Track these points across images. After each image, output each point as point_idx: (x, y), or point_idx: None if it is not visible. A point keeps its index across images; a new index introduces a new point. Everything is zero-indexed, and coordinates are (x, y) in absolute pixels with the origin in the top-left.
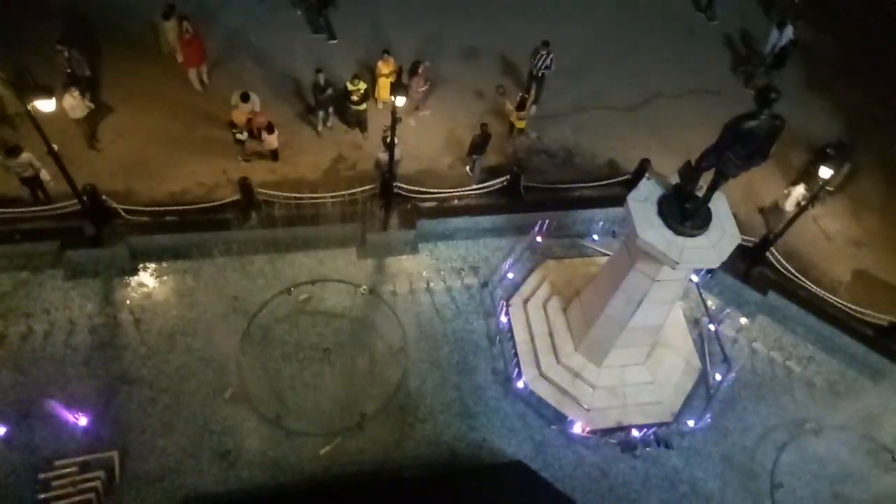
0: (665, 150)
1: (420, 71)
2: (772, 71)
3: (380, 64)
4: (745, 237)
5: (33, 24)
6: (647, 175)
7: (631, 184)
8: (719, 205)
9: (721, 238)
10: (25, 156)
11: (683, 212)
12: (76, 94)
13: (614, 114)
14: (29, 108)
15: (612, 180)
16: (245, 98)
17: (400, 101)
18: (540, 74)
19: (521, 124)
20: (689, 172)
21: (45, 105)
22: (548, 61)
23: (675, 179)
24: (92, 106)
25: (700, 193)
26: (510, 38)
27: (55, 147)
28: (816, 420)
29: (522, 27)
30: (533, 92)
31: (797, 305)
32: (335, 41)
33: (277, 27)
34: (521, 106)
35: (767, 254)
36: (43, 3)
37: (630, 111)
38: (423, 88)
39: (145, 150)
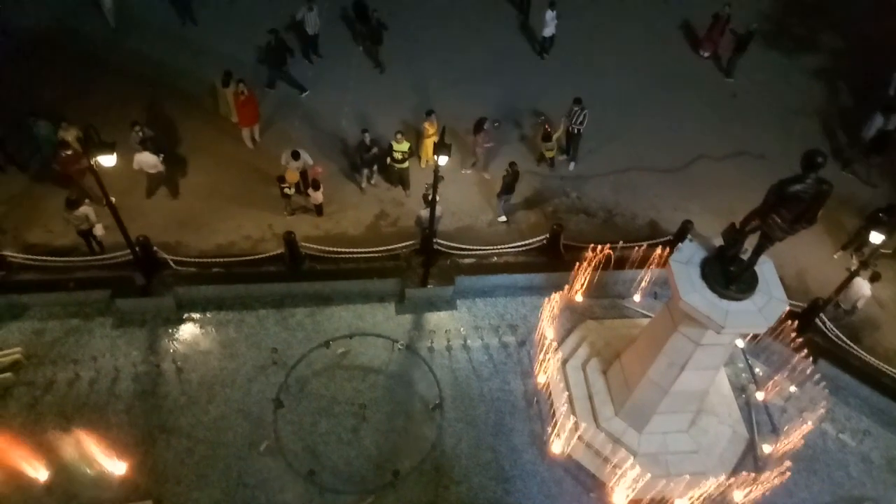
0: (707, 212)
1: (486, 127)
2: (871, 155)
3: (426, 125)
4: (792, 302)
5: (103, 83)
6: (689, 236)
7: (673, 245)
8: (765, 268)
9: (768, 302)
10: (84, 209)
11: (728, 275)
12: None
13: (655, 175)
14: (92, 162)
15: (654, 241)
16: (295, 156)
17: (442, 160)
18: (576, 131)
19: (549, 153)
20: (734, 235)
21: (107, 160)
22: (581, 117)
23: (718, 241)
24: (162, 168)
25: (745, 256)
26: (552, 100)
27: (113, 199)
28: (874, 499)
29: (566, 91)
30: (570, 149)
31: (850, 375)
32: (306, 93)
33: (326, 88)
34: (546, 137)
35: (817, 320)
36: (111, 66)
37: (671, 172)
38: (488, 145)
39: (197, 203)
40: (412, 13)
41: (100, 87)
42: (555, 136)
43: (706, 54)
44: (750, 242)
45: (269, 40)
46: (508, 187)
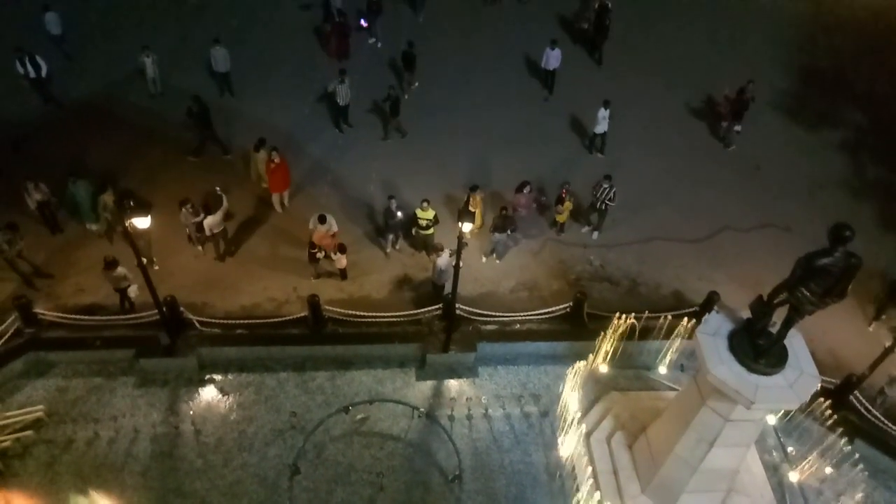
0: (733, 283)
1: (526, 191)
2: None
3: (469, 198)
4: (825, 378)
5: (145, 149)
6: (715, 308)
7: (699, 316)
8: (795, 342)
9: (799, 378)
10: (121, 269)
11: (757, 348)
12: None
13: (680, 245)
14: (127, 224)
15: (679, 311)
16: (322, 220)
17: (466, 227)
18: (603, 207)
19: (561, 218)
20: (762, 308)
21: (141, 222)
22: (611, 194)
23: (745, 314)
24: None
25: (773, 329)
26: (576, 171)
27: (144, 260)
28: None
29: (592, 161)
30: (594, 220)
31: (890, 457)
32: (228, 156)
33: (355, 156)
34: (559, 200)
35: (851, 397)
36: (153, 132)
37: (696, 243)
38: (524, 209)
39: (225, 265)
40: (438, 85)
41: (142, 153)
42: (566, 204)
43: (736, 128)
44: (779, 315)
45: (190, 106)
46: (497, 228)
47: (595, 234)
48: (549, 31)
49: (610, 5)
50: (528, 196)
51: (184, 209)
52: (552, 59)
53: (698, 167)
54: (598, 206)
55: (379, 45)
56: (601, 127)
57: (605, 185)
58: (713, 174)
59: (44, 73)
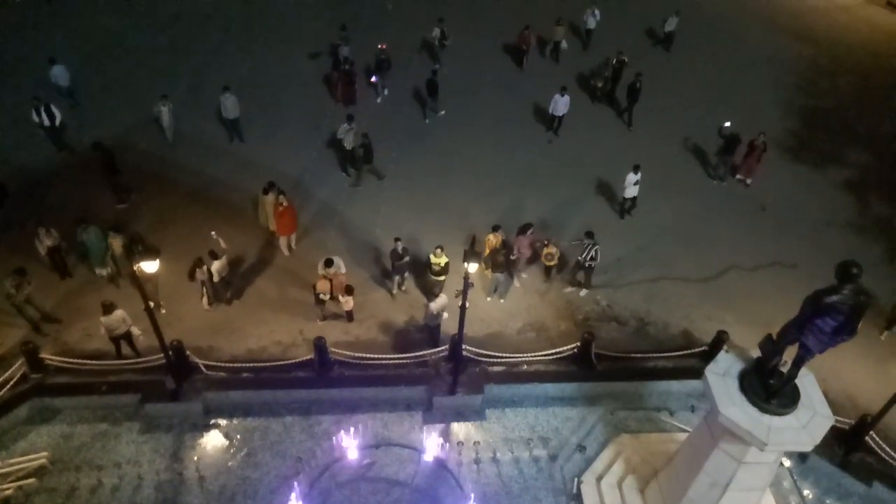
0: (742, 322)
1: (528, 233)
2: None
3: (490, 237)
4: (838, 418)
5: (155, 194)
6: (725, 347)
7: (708, 356)
8: (807, 382)
9: (812, 418)
10: (119, 312)
11: (768, 388)
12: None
13: (687, 284)
14: (135, 268)
15: (688, 351)
16: (329, 263)
17: (472, 267)
18: (587, 265)
19: (550, 263)
20: (771, 347)
21: (150, 266)
22: (592, 252)
23: (755, 353)
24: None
25: (784, 369)
26: (584, 213)
27: (151, 304)
28: None
29: (600, 203)
30: (580, 278)
31: None
32: (124, 205)
33: (361, 199)
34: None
35: (867, 438)
36: (164, 178)
37: (703, 282)
38: (526, 251)
39: (232, 308)
40: (444, 128)
41: (152, 198)
42: (546, 251)
43: (748, 181)
44: (789, 354)
45: (98, 154)
46: (498, 267)
47: (583, 292)
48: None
49: (627, 60)
50: (529, 238)
51: (198, 271)
52: (560, 104)
53: (703, 207)
54: (583, 264)
55: (379, 100)
56: (631, 192)
57: (588, 242)
58: (718, 213)
59: (58, 121)
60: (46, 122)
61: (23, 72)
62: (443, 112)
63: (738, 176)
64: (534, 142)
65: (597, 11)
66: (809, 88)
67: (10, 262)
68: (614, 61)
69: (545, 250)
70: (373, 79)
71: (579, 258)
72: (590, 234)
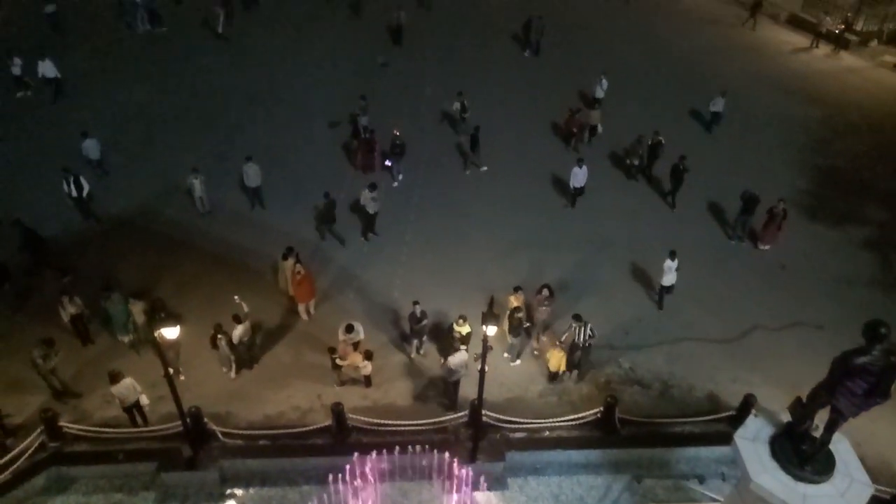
0: (769, 384)
1: (544, 293)
2: None
3: (511, 298)
4: (878, 486)
5: (177, 261)
6: (753, 411)
7: (736, 420)
8: (841, 447)
9: (850, 486)
10: (128, 381)
11: (800, 454)
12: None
13: (710, 345)
14: (156, 334)
15: (715, 416)
16: (350, 329)
17: (490, 330)
18: (587, 345)
19: (554, 365)
20: (801, 410)
21: (170, 332)
22: (587, 331)
23: (785, 417)
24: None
25: (816, 433)
26: (597, 273)
27: (171, 370)
28: None
29: (615, 263)
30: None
31: None
32: (67, 277)
33: (381, 262)
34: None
35: None
36: (186, 245)
37: (727, 343)
38: (545, 308)
39: (250, 373)
40: (457, 186)
41: (175, 265)
42: (552, 352)
43: (766, 247)
44: (821, 417)
45: (18, 231)
46: (512, 330)
47: (574, 373)
48: (600, 168)
49: (664, 141)
50: (545, 299)
51: (220, 342)
52: (579, 176)
53: (722, 266)
54: (581, 346)
55: (395, 184)
56: (669, 279)
57: (576, 325)
58: (738, 273)
59: (85, 192)
60: (74, 193)
61: (60, 144)
62: (485, 168)
63: (759, 245)
64: (550, 205)
65: (605, 81)
66: (822, 148)
67: (33, 329)
68: (650, 140)
69: (551, 353)
70: (387, 163)
71: (576, 341)
72: (577, 317)
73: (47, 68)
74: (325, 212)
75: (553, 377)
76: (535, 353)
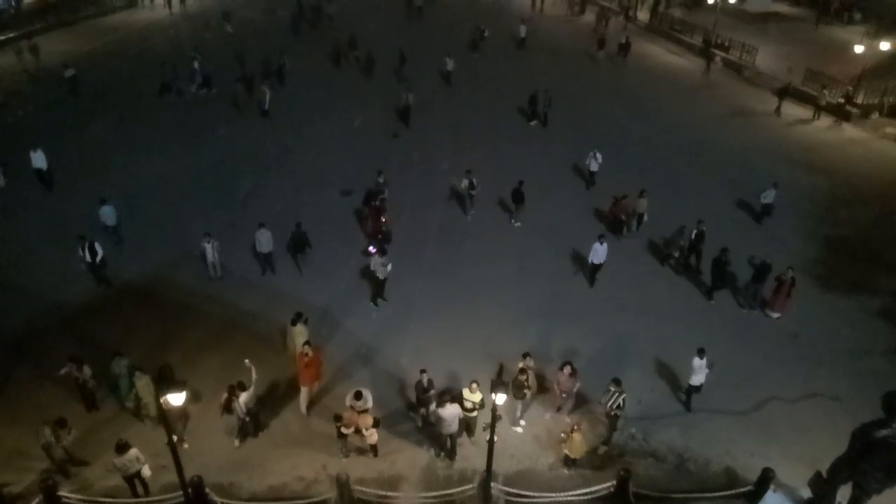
0: (787, 458)
1: (565, 370)
2: None
3: (521, 365)
4: None
5: (186, 327)
6: (772, 487)
7: (754, 495)
8: None
9: None
10: (133, 452)
11: None
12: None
13: (726, 417)
14: (161, 401)
15: (733, 491)
16: (358, 396)
17: (500, 398)
18: (613, 414)
19: (573, 451)
20: (823, 486)
21: (176, 399)
22: (619, 401)
23: (805, 492)
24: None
25: None
26: (609, 341)
27: (175, 438)
28: None
29: (629, 329)
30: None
31: None
32: None
33: (389, 330)
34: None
35: None
36: (196, 311)
37: (742, 415)
38: (572, 388)
39: (255, 441)
40: (466, 255)
41: (184, 331)
42: (573, 436)
43: (776, 315)
44: (843, 494)
45: None
46: (521, 391)
47: (602, 449)
48: (644, 260)
49: (706, 230)
50: (568, 377)
51: (234, 401)
52: (599, 253)
53: (735, 336)
54: (607, 412)
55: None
56: (698, 378)
57: (614, 390)
58: (751, 343)
59: (99, 258)
60: (89, 259)
61: (78, 211)
62: (519, 224)
63: (768, 312)
64: (560, 270)
65: (599, 155)
66: (829, 217)
67: (38, 395)
68: (694, 232)
69: (571, 436)
70: (370, 249)
71: (604, 408)
72: (617, 382)
73: (38, 159)
74: (296, 240)
75: (571, 463)
76: (563, 435)
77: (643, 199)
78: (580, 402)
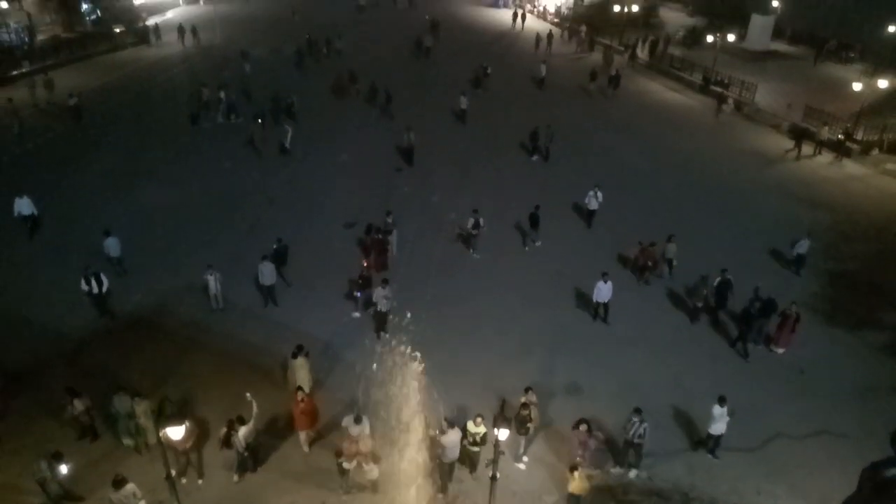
0: (796, 496)
1: (582, 428)
2: None
3: (523, 400)
4: None
5: (187, 360)
6: None
7: None
8: None
9: None
10: (130, 487)
11: None
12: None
13: (731, 455)
14: (161, 435)
15: None
16: (358, 420)
17: (502, 434)
18: (635, 443)
19: (577, 488)
20: None
21: (175, 432)
22: (641, 429)
23: None
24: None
25: None
26: (613, 374)
27: (174, 472)
28: None
29: (635, 363)
30: (631, 458)
31: None
32: None
33: (391, 363)
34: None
35: None
36: (198, 344)
37: (749, 452)
38: (591, 447)
39: (254, 477)
40: (471, 288)
41: (184, 363)
42: (576, 475)
43: (780, 350)
44: None
45: None
46: (524, 425)
47: (633, 473)
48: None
49: (732, 280)
50: (584, 434)
51: (234, 439)
52: (603, 292)
53: (740, 372)
54: (631, 442)
55: (357, 315)
56: (718, 427)
57: (635, 419)
58: (756, 379)
59: (104, 289)
60: (94, 290)
61: (82, 242)
62: (539, 243)
63: (772, 348)
64: (562, 299)
65: (599, 193)
66: (832, 252)
67: (35, 426)
68: (717, 281)
69: (575, 475)
70: (357, 294)
71: (626, 437)
72: (638, 411)
73: (23, 206)
74: (279, 254)
75: (574, 501)
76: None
77: (671, 244)
78: (599, 460)
